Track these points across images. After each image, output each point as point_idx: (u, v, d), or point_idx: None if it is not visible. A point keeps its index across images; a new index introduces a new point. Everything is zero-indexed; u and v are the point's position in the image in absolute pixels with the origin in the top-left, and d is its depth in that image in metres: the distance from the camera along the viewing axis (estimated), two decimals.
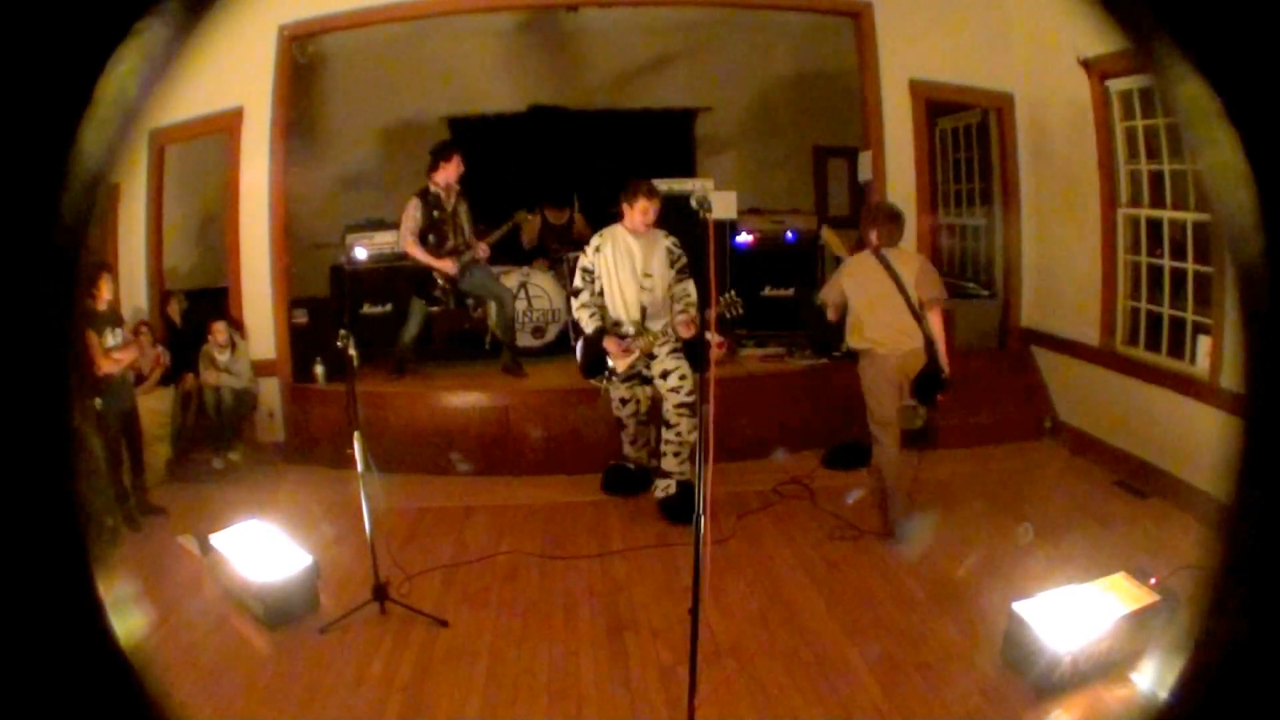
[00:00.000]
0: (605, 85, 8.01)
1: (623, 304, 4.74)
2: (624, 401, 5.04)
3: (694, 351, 4.54)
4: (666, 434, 4.72)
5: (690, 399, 4.60)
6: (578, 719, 3.02)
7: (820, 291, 4.71)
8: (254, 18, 5.70)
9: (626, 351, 4.69)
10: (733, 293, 4.48)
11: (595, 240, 4.78)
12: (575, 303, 4.81)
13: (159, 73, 0.70)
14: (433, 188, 5.83)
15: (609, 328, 4.74)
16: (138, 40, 0.66)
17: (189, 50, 0.72)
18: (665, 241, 4.74)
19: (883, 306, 4.30)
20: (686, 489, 4.64)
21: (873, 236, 4.46)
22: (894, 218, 4.45)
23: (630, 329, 4.73)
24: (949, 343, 4.38)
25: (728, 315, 4.43)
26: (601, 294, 4.77)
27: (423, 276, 5.93)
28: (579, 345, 4.87)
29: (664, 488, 4.79)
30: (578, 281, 4.80)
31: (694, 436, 4.49)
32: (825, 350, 6.26)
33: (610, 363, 4.73)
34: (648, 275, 4.67)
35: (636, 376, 4.84)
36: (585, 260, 4.77)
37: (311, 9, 5.88)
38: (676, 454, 4.71)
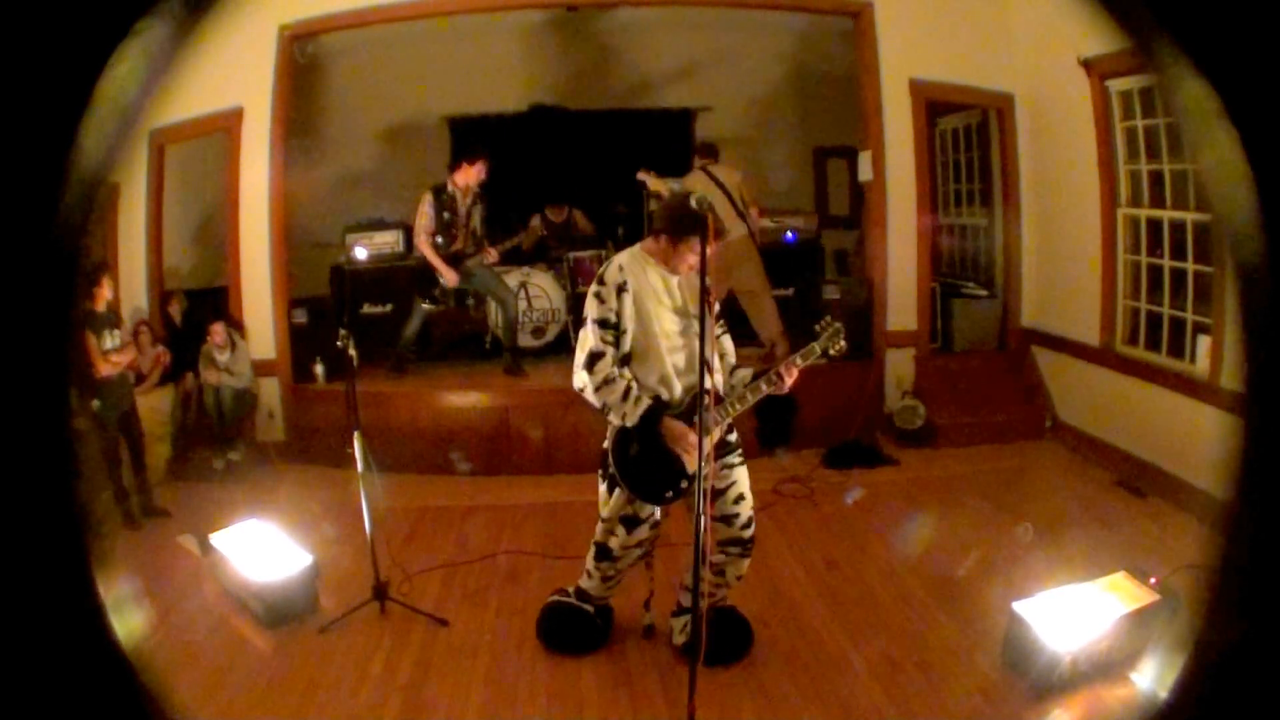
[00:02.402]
0: (606, 85, 8.00)
1: (679, 363, 3.10)
2: (631, 522, 3.16)
3: (781, 417, 3.25)
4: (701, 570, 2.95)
5: (749, 532, 3.16)
6: (578, 719, 3.02)
7: None
8: (254, 18, 5.69)
9: (688, 447, 3.01)
10: (829, 319, 3.18)
11: (615, 276, 3.04)
12: (593, 379, 2.99)
13: (159, 73, 0.70)
14: (450, 186, 5.83)
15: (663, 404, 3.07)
16: (138, 40, 0.66)
17: (189, 50, 0.72)
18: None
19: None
20: (722, 618, 3.24)
21: (696, 161, 6.09)
22: (708, 147, 6.24)
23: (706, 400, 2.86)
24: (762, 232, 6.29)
25: (833, 350, 3.14)
26: (627, 358, 3.06)
27: (424, 274, 5.94)
28: (619, 446, 3.09)
29: (681, 628, 3.32)
30: (595, 343, 3.01)
31: (738, 576, 3.26)
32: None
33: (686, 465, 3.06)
34: (694, 315, 3.04)
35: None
36: (600, 309, 3.02)
37: (311, 9, 5.88)
38: (711, 594, 3.10)
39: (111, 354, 4.66)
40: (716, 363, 3.10)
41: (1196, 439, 4.45)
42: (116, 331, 4.79)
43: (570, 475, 5.46)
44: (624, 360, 3.07)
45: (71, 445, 0.70)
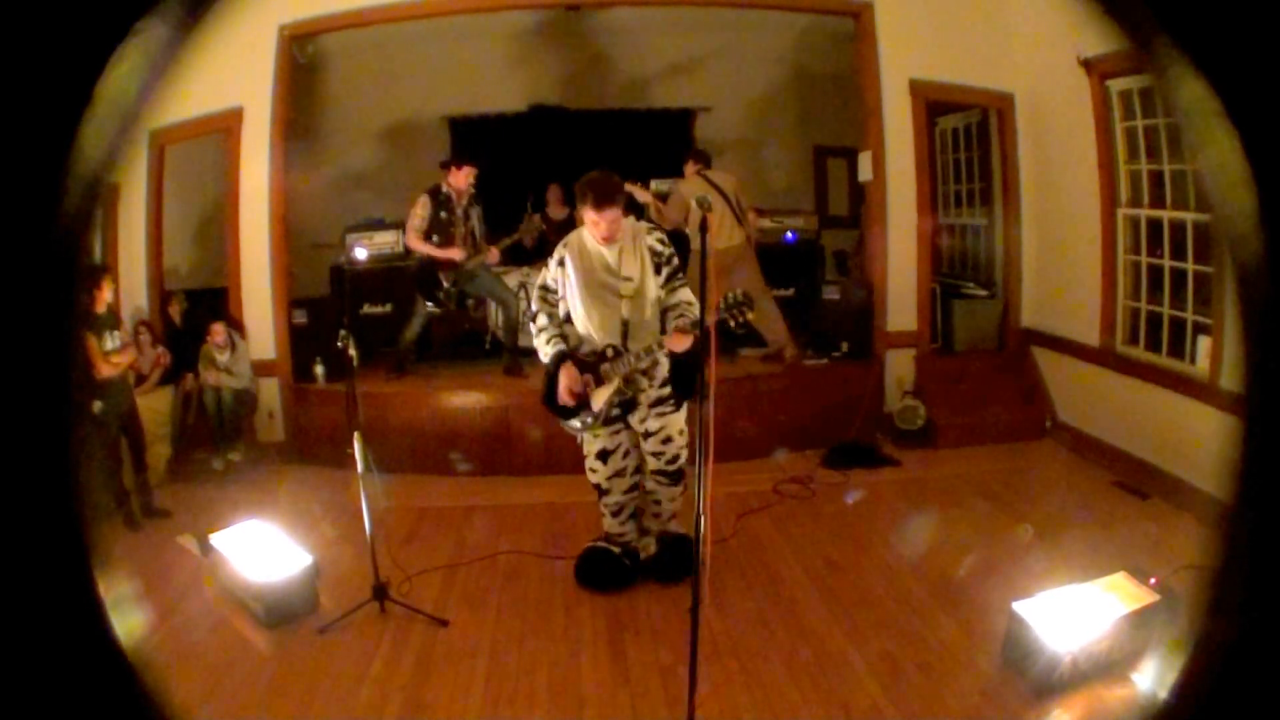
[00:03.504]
0: (606, 85, 8.01)
1: (597, 322, 3.65)
2: (605, 455, 3.82)
3: (684, 373, 3.65)
4: (645, 501, 3.98)
5: (675, 466, 3.81)
6: (578, 719, 3.02)
7: (668, 215, 5.73)
8: (254, 18, 5.70)
9: (590, 384, 3.64)
10: (739, 292, 3.36)
11: (558, 252, 3.75)
12: (533, 328, 3.80)
13: (159, 73, 0.70)
14: (445, 188, 5.84)
15: (572, 351, 3.69)
16: (138, 40, 0.66)
17: (189, 50, 0.72)
18: (648, 239, 3.66)
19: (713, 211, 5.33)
20: (674, 542, 3.96)
21: (690, 167, 6.04)
22: (701, 153, 6.23)
23: (608, 351, 3.65)
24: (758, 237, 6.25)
25: (732, 323, 3.32)
26: (568, 319, 3.74)
27: (426, 276, 5.93)
28: (546, 380, 3.76)
29: (644, 546, 4.01)
30: (534, 302, 3.80)
31: (676, 506, 3.93)
32: (826, 350, 6.27)
33: (591, 403, 3.65)
34: (627, 279, 3.60)
35: (622, 419, 3.75)
36: (545, 275, 3.78)
37: (311, 9, 5.88)
38: (656, 515, 3.97)
39: (112, 355, 4.66)
40: (644, 314, 3.65)
41: (1196, 439, 4.45)
42: (117, 332, 4.79)
43: (570, 475, 5.45)
44: (565, 319, 3.75)
45: (72, 446, 0.70)
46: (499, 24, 7.43)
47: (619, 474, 3.84)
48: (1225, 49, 0.65)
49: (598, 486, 3.90)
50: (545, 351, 3.70)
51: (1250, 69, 0.65)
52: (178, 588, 4.01)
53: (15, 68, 0.63)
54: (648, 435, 3.76)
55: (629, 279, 3.60)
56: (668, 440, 3.75)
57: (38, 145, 0.65)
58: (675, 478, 3.84)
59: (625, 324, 3.63)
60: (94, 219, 0.69)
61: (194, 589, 4.02)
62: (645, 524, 4.02)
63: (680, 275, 3.70)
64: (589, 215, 3.52)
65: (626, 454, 3.84)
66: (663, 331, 3.61)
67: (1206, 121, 0.67)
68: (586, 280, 3.63)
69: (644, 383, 3.67)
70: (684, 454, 3.81)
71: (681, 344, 3.44)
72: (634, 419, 3.74)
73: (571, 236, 3.76)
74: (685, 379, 3.73)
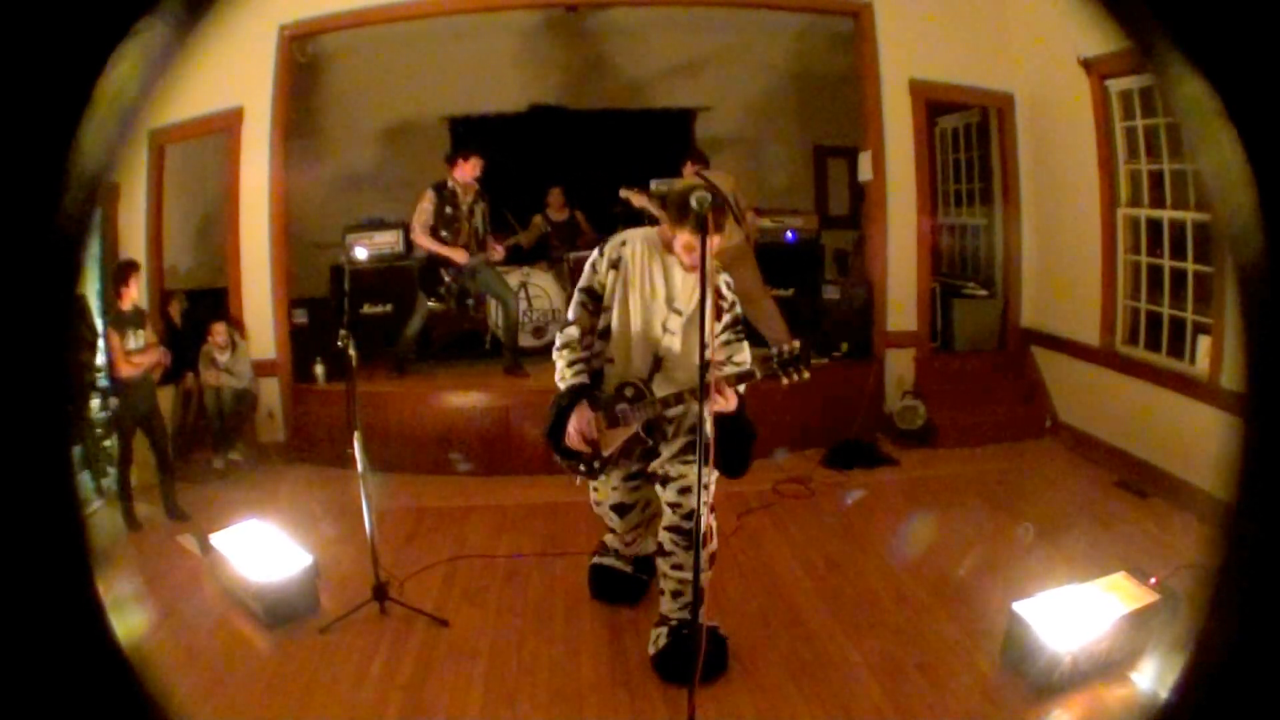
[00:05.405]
0: (605, 85, 8.00)
1: (631, 348, 3.11)
2: (622, 510, 3.46)
3: (735, 445, 2.97)
4: (660, 564, 3.22)
5: (691, 524, 2.99)
6: (577, 719, 3.02)
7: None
8: (254, 18, 5.70)
9: (602, 427, 3.10)
10: (795, 345, 2.91)
11: (612, 249, 3.10)
12: (559, 339, 3.15)
13: (159, 73, 0.70)
14: (450, 183, 5.85)
15: (593, 387, 3.14)
16: (138, 40, 0.66)
17: (189, 50, 0.72)
18: (717, 278, 3.01)
19: None
20: (680, 637, 3.10)
21: (688, 169, 5.90)
22: (699, 153, 6.19)
23: (627, 390, 3.07)
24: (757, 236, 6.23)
25: (788, 379, 2.93)
26: (606, 333, 3.14)
27: (429, 271, 5.94)
28: (554, 407, 3.22)
29: (655, 638, 3.24)
30: (572, 309, 3.17)
31: (690, 573, 3.00)
32: (826, 350, 6.27)
33: (600, 449, 3.16)
34: (677, 312, 3.04)
35: (642, 475, 3.30)
36: (588, 277, 3.15)
37: (311, 9, 5.89)
38: (676, 593, 3.17)
39: (134, 354, 4.64)
40: (681, 353, 3.05)
41: (1196, 439, 4.45)
42: (141, 332, 4.77)
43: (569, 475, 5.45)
44: (603, 333, 3.13)
45: (71, 446, 0.70)
46: (498, 24, 7.42)
47: (637, 526, 3.56)
48: (1225, 49, 0.65)
49: (613, 535, 3.66)
50: (563, 374, 3.14)
51: (1250, 69, 0.65)
52: (178, 588, 4.01)
53: (15, 68, 0.63)
54: (666, 481, 3.17)
55: (679, 313, 3.04)
56: (686, 490, 3.09)
57: (38, 145, 0.65)
58: (690, 538, 3.02)
59: (658, 361, 3.08)
60: (94, 219, 0.69)
61: (194, 589, 4.02)
62: (662, 609, 3.25)
63: (740, 329, 3.12)
64: (684, 238, 2.88)
65: (646, 507, 3.49)
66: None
67: (1206, 121, 0.67)
68: (639, 299, 3.07)
69: (669, 432, 3.12)
70: (704, 514, 2.72)
71: (727, 403, 2.84)
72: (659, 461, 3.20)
73: (632, 236, 3.11)
74: (736, 454, 3.04)
